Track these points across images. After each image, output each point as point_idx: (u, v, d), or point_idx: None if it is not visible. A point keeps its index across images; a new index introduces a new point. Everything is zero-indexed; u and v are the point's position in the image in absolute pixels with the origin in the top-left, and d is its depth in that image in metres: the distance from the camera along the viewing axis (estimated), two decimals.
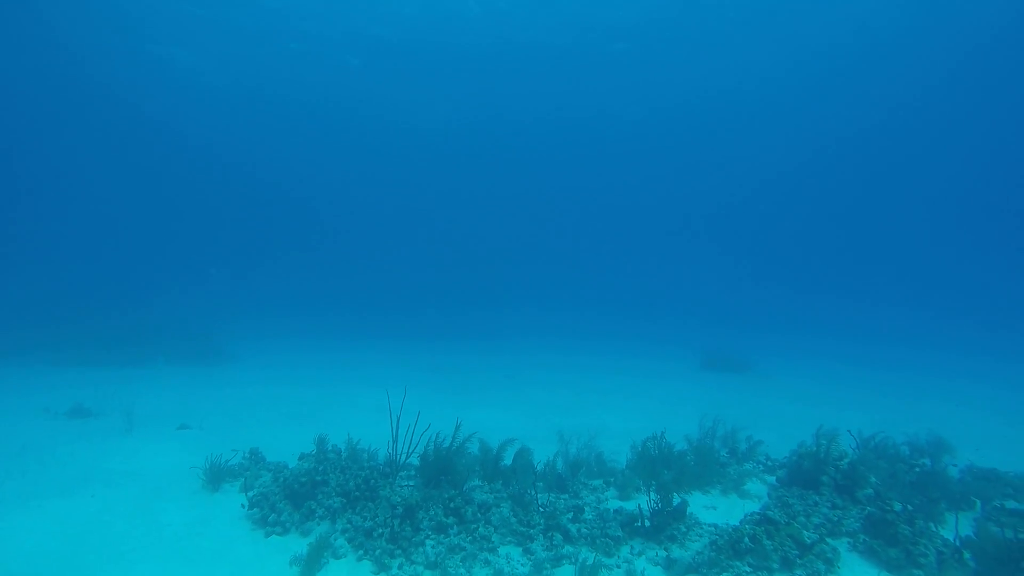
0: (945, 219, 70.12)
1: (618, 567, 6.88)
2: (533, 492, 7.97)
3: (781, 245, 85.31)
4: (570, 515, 7.75)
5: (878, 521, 7.24)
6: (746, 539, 6.73)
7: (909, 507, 7.52)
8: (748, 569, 6.63)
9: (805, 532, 6.93)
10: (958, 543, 6.93)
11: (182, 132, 50.81)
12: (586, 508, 8.07)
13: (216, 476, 9.18)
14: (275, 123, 50.75)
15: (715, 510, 8.75)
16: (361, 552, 6.82)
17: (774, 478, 9.81)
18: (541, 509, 7.67)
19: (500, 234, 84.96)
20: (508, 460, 8.77)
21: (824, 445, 8.62)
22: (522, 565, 6.76)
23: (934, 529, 7.27)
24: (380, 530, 6.87)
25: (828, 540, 7.10)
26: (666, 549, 7.21)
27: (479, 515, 7.39)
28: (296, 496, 7.78)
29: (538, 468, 8.83)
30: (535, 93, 44.04)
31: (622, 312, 47.73)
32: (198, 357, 24.42)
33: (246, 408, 15.57)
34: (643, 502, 7.84)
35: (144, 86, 41.27)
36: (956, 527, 7.21)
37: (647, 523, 7.62)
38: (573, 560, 6.81)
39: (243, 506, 8.08)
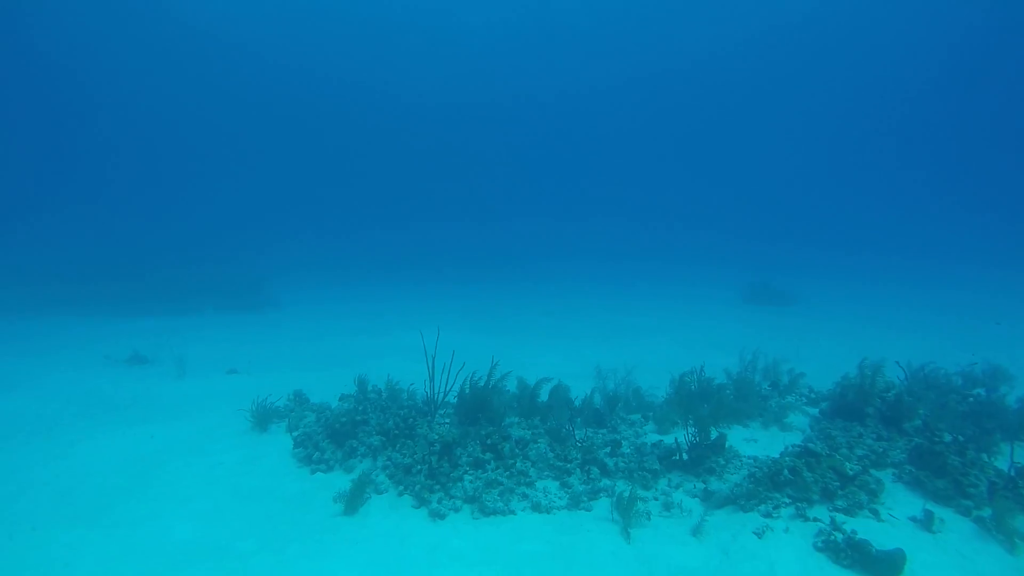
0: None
1: (655, 499, 6.92)
2: (570, 427, 8.02)
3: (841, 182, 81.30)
4: (607, 449, 7.80)
5: (925, 452, 7.03)
6: (785, 471, 6.64)
7: (960, 438, 7.26)
8: (787, 500, 6.57)
9: (847, 463, 6.79)
10: (1012, 473, 6.68)
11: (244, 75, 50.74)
12: (623, 442, 8.09)
13: (263, 417, 9.55)
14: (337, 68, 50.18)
15: (755, 443, 8.66)
16: (401, 488, 7.03)
17: (817, 411, 9.62)
18: (578, 444, 7.72)
19: (542, 182, 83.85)
20: (544, 397, 8.82)
21: (869, 376, 8.34)
22: (559, 498, 6.86)
23: (987, 460, 7.02)
24: (419, 467, 7.05)
25: (872, 471, 6.95)
26: (704, 481, 7.20)
27: (516, 451, 7.49)
28: (338, 435, 8.03)
29: (576, 404, 8.86)
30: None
31: (666, 254, 46.78)
32: (246, 306, 25.24)
33: (292, 353, 16.07)
34: (680, 436, 7.81)
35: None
36: (1011, 457, 6.93)
37: (685, 456, 7.60)
38: (610, 493, 6.87)
39: (291, 445, 8.41)
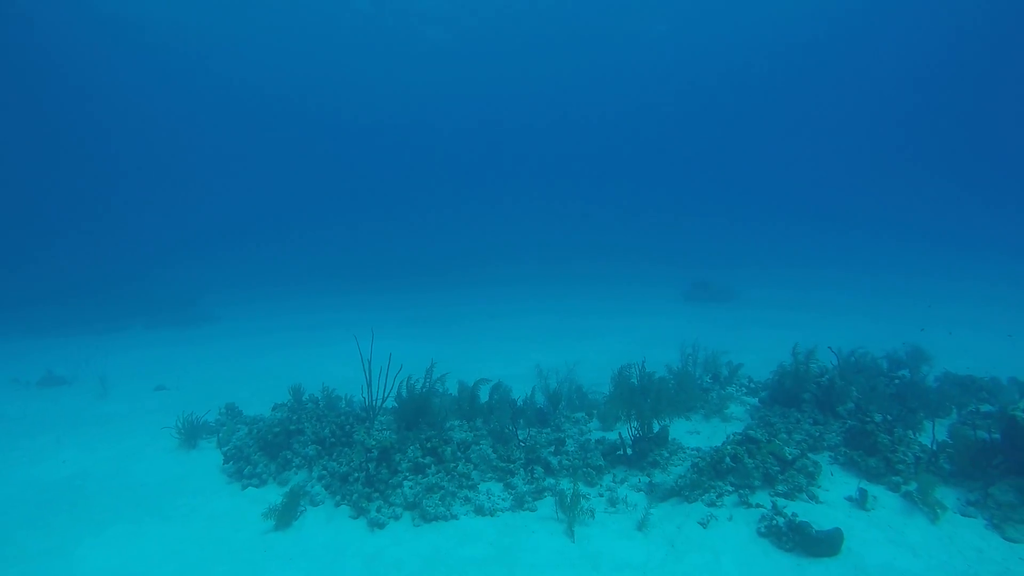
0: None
1: (600, 496, 6.84)
2: (512, 427, 7.86)
3: (768, 177, 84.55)
4: (551, 448, 7.68)
5: (858, 432, 7.23)
6: (727, 459, 6.69)
7: (888, 417, 7.51)
8: (730, 488, 6.61)
9: (787, 448, 6.90)
10: (935, 447, 6.95)
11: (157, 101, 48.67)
12: (567, 440, 8.00)
13: (192, 433, 9.00)
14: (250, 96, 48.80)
15: (698, 435, 8.74)
16: (338, 498, 6.71)
17: (756, 400, 9.81)
18: (521, 444, 7.58)
19: (479, 185, 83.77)
20: (484, 397, 8.63)
21: (803, 363, 8.56)
22: (503, 500, 6.69)
23: (913, 436, 7.28)
24: (356, 474, 6.74)
25: (810, 455, 7.09)
26: (648, 475, 7.17)
27: (458, 454, 7.27)
28: (271, 447, 7.62)
29: (518, 404, 8.71)
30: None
31: (606, 255, 47.40)
32: (179, 321, 24.03)
33: (225, 367, 15.35)
34: (624, 431, 7.78)
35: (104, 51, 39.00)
36: (933, 433, 7.21)
37: (629, 451, 7.56)
38: (555, 492, 6.74)
39: (220, 461, 7.93)
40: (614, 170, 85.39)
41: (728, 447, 6.89)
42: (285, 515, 6.34)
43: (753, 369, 11.23)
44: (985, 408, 8.71)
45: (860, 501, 6.37)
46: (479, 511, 6.45)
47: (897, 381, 9.24)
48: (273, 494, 7.00)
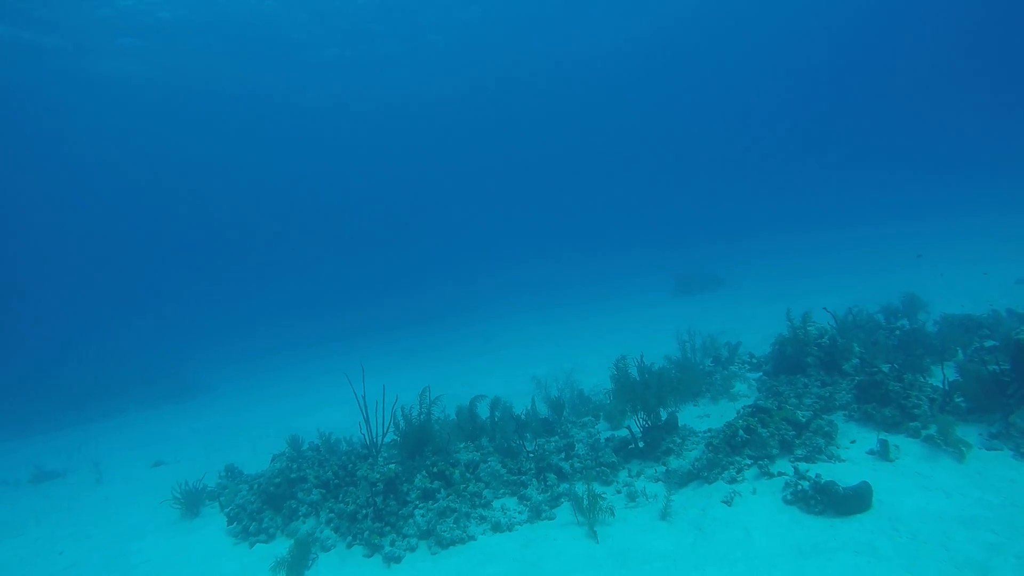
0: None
1: (618, 492, 6.60)
2: (519, 440, 7.62)
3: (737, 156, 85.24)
4: (561, 455, 7.44)
5: (868, 385, 7.07)
6: (740, 432, 6.50)
7: (895, 366, 7.38)
8: (748, 461, 6.40)
9: (799, 412, 6.73)
10: (947, 387, 6.81)
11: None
12: (577, 444, 7.76)
13: (193, 502, 8.65)
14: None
15: (708, 417, 8.55)
16: (349, 538, 6.41)
17: (760, 374, 9.65)
18: (530, 454, 7.33)
19: (461, 202, 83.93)
20: (484, 414, 8.39)
21: (801, 327, 8.43)
22: (519, 513, 6.43)
23: (923, 380, 7.13)
24: (364, 511, 6.46)
25: (823, 416, 6.91)
26: (664, 464, 6.96)
27: (467, 475, 7.02)
28: (274, 499, 7.31)
29: (521, 417, 8.47)
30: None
31: (592, 257, 47.47)
32: (170, 396, 23.51)
33: (222, 433, 14.95)
34: (633, 425, 7.57)
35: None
36: (943, 374, 7.08)
37: (640, 444, 7.35)
38: (571, 496, 6.50)
39: (225, 523, 7.60)
40: (592, 171, 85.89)
41: (740, 420, 6.71)
42: (295, 566, 6.03)
43: (752, 347, 11.09)
44: (989, 344, 8.61)
45: (882, 453, 6.18)
46: (496, 528, 6.18)
47: (898, 332, 9.13)
48: (283, 547, 6.66)
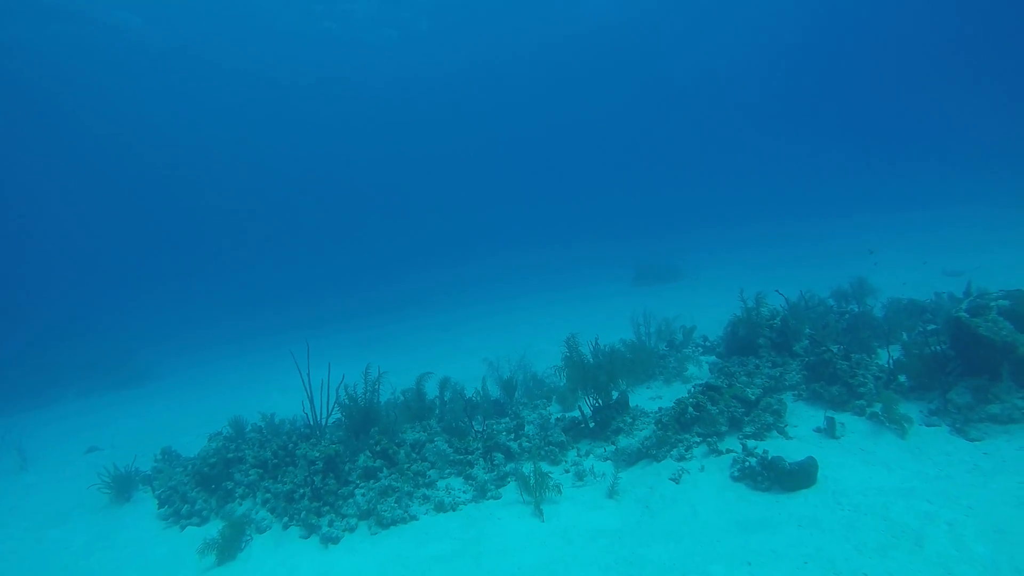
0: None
1: (566, 472, 6.47)
2: (468, 420, 7.43)
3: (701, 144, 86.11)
4: (511, 435, 7.27)
5: (817, 364, 7.11)
6: (690, 409, 6.44)
7: (843, 346, 7.44)
8: (697, 439, 6.35)
9: (749, 390, 6.70)
10: (891, 366, 6.89)
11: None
12: (527, 425, 7.61)
13: (124, 486, 8.20)
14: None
15: (660, 399, 8.48)
16: (286, 519, 6.12)
17: (714, 356, 9.66)
18: (478, 434, 7.14)
19: (419, 192, 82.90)
20: (432, 393, 8.16)
21: (754, 308, 8.44)
22: (464, 493, 6.24)
23: (869, 359, 7.21)
24: (301, 490, 6.17)
25: (773, 394, 6.92)
26: (613, 443, 6.85)
27: (413, 454, 6.79)
28: (209, 480, 6.95)
29: (472, 398, 8.27)
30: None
31: (553, 249, 47.38)
32: (116, 383, 22.46)
33: (167, 420, 14.32)
34: (584, 405, 7.45)
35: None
36: (888, 354, 7.17)
37: (591, 424, 7.24)
38: (518, 476, 6.33)
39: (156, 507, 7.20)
40: (555, 162, 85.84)
41: (690, 398, 6.65)
42: (227, 548, 5.72)
43: (708, 332, 11.11)
44: (931, 327, 8.77)
45: (829, 430, 6.21)
46: (440, 507, 5.98)
47: (847, 316, 9.24)
48: (216, 530, 6.34)
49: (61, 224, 61.33)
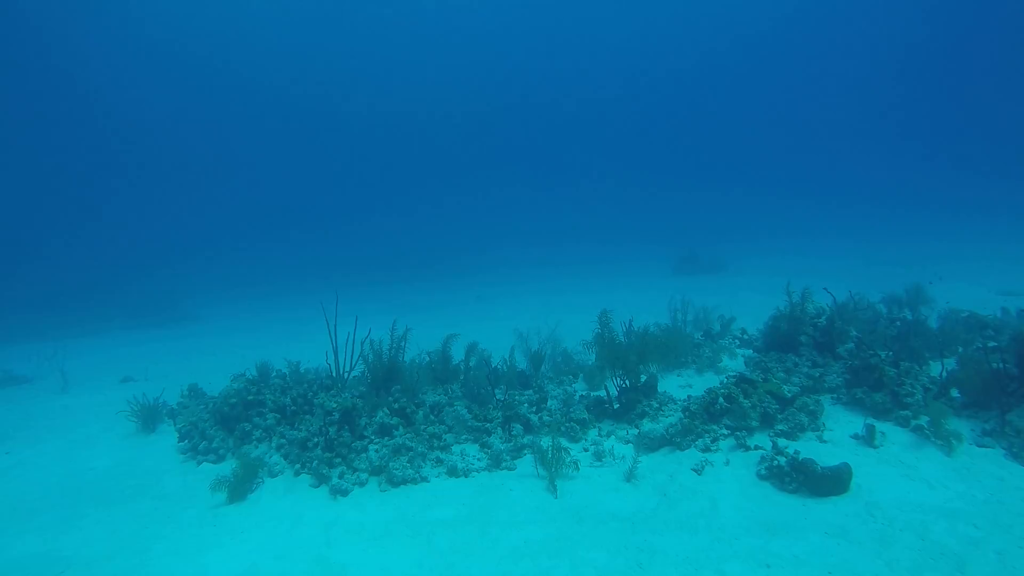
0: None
1: (585, 450, 6.28)
2: (490, 388, 7.28)
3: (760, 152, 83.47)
4: (533, 407, 7.11)
5: (862, 368, 6.69)
6: (721, 399, 6.14)
7: (892, 353, 6.98)
8: (726, 432, 6.07)
9: (785, 387, 6.36)
10: (944, 377, 6.43)
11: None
12: (550, 399, 7.43)
13: (150, 417, 8.38)
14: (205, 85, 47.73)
15: (691, 388, 8.19)
16: (298, 466, 6.12)
17: (751, 350, 9.27)
18: (499, 403, 6.99)
19: (467, 174, 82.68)
20: (459, 357, 8.03)
21: (799, 303, 8.01)
22: (479, 460, 6.11)
23: (919, 369, 6.75)
24: (315, 439, 6.15)
25: (811, 395, 6.55)
26: (636, 427, 6.62)
27: (431, 416, 6.69)
28: (228, 420, 7.00)
29: (497, 367, 8.12)
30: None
31: (596, 233, 46.58)
32: (160, 322, 23.24)
33: (200, 358, 14.69)
34: (611, 385, 7.21)
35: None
36: (942, 366, 6.69)
37: (616, 405, 7.01)
38: (535, 448, 6.17)
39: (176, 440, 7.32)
40: (602, 151, 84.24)
41: (721, 388, 6.34)
42: (239, 488, 5.74)
43: (747, 324, 10.69)
44: (992, 344, 8.19)
45: (868, 438, 5.83)
46: (452, 472, 5.87)
47: (899, 323, 8.71)
48: (230, 469, 6.40)
49: (134, 186, 63.60)
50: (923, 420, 5.94)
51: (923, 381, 6.42)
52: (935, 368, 7.00)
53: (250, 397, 7.04)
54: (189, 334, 20.08)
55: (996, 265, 18.67)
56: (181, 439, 7.12)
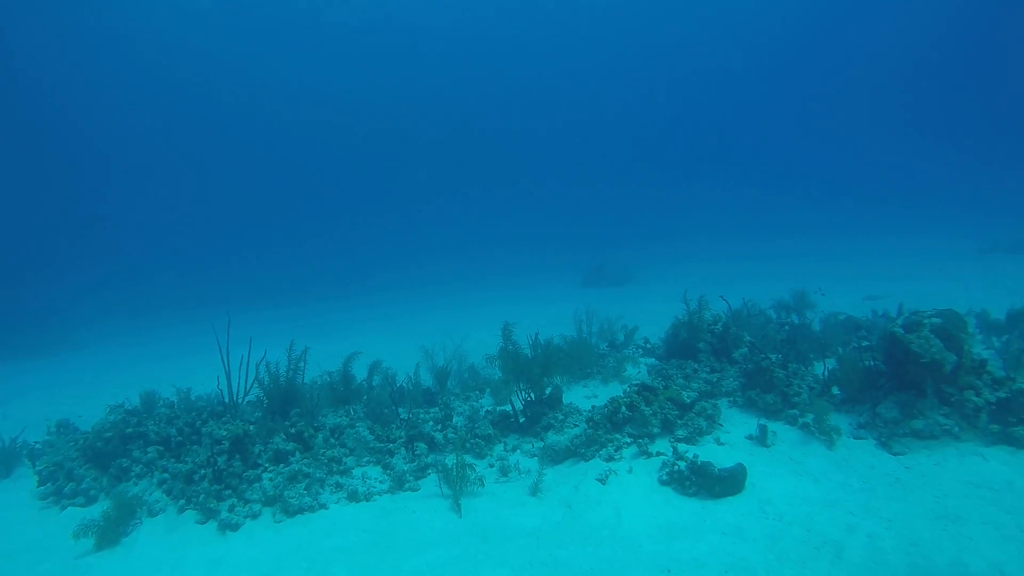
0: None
1: (491, 466, 6.17)
2: (393, 407, 7.03)
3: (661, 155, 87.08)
4: (438, 425, 6.93)
5: (754, 371, 7.04)
6: (623, 408, 6.24)
7: (781, 356, 7.41)
8: (628, 440, 6.16)
9: (684, 393, 6.56)
10: (826, 376, 6.88)
11: None
12: (455, 416, 7.28)
13: (6, 461, 7.44)
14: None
15: (596, 398, 8.28)
16: (182, 502, 5.60)
17: (653, 359, 9.56)
18: (403, 422, 6.76)
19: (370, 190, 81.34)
20: (360, 376, 7.73)
21: (696, 311, 8.35)
22: (381, 483, 5.85)
23: (805, 369, 7.19)
24: (202, 471, 5.66)
25: (709, 399, 6.80)
26: (542, 439, 6.60)
27: (331, 439, 6.36)
28: (102, 456, 6.33)
29: (402, 385, 7.87)
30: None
31: (511, 245, 46.96)
32: (26, 349, 20.94)
33: (75, 391, 13.32)
34: (516, 399, 7.16)
35: None
36: (824, 366, 7.17)
37: (521, 419, 6.96)
38: (439, 467, 5.99)
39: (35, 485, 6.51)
40: (521, 161, 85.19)
41: (624, 397, 6.45)
42: (109, 531, 5.17)
43: (650, 333, 11.02)
44: (865, 344, 8.88)
45: (760, 438, 6.12)
46: (353, 497, 5.58)
47: (787, 327, 9.28)
48: (100, 512, 5.76)
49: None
50: (809, 418, 6.30)
51: (808, 381, 6.84)
52: (819, 368, 7.49)
53: (129, 430, 6.40)
54: (67, 365, 18.24)
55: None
56: (42, 483, 6.35)
